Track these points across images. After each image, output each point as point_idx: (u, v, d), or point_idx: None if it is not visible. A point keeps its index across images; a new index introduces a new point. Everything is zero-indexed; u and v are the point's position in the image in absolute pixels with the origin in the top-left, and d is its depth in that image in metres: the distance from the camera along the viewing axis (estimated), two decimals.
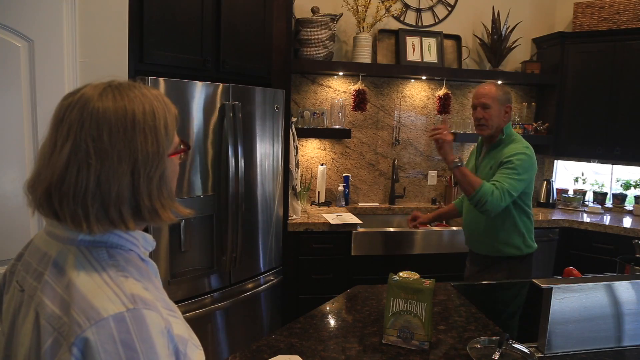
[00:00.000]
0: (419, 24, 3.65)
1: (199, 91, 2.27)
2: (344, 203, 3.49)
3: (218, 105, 2.35)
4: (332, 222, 2.97)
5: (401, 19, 3.61)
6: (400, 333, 1.45)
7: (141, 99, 0.78)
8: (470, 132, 3.59)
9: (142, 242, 0.83)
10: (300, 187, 3.23)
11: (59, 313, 0.71)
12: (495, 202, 2.02)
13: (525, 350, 1.39)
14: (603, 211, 3.62)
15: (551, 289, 1.42)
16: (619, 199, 3.69)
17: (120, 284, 0.73)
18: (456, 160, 2.08)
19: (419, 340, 1.44)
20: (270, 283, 2.76)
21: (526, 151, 2.14)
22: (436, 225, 3.41)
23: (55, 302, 0.72)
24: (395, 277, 1.47)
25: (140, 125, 0.76)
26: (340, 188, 3.49)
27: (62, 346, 0.68)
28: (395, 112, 3.62)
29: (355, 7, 3.30)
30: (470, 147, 3.83)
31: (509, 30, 3.57)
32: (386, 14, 3.44)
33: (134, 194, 0.76)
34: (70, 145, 0.74)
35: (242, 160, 2.45)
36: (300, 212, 3.12)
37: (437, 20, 3.67)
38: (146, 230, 0.86)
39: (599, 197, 3.78)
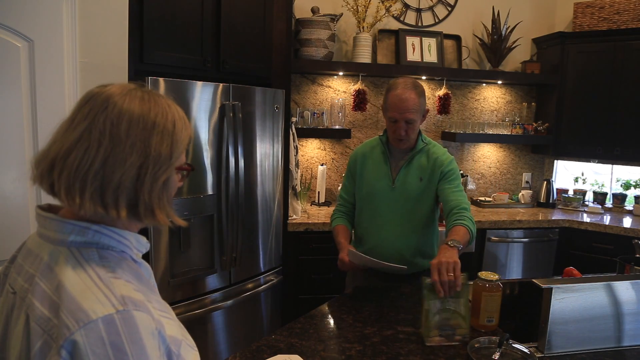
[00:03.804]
0: (419, 24, 3.65)
1: (199, 91, 2.27)
2: None
3: (218, 105, 2.35)
4: None
5: (401, 19, 3.61)
6: (442, 332, 1.47)
7: (166, 108, 0.81)
8: (470, 132, 3.59)
9: (134, 243, 0.83)
10: (300, 187, 3.23)
11: (49, 315, 0.70)
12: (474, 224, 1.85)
13: (525, 350, 1.38)
14: (603, 211, 3.61)
15: (551, 289, 1.42)
16: (619, 199, 3.69)
17: (110, 285, 0.72)
18: (458, 246, 1.67)
19: (461, 335, 1.47)
20: (270, 283, 2.76)
21: (451, 156, 2.02)
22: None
23: (44, 304, 0.72)
24: (429, 280, 1.48)
25: (159, 127, 0.79)
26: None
27: (52, 349, 0.68)
28: None
29: (355, 7, 3.30)
30: (471, 148, 3.83)
31: (509, 30, 3.57)
32: (386, 14, 3.44)
33: (136, 187, 0.77)
34: (87, 124, 0.76)
35: (242, 160, 2.45)
36: (300, 212, 3.12)
37: (437, 20, 3.67)
38: (144, 232, 0.86)
39: (599, 197, 3.78)
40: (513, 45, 3.61)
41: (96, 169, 0.74)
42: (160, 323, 0.74)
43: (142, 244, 0.85)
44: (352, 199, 2.14)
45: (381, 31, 3.52)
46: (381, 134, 2.07)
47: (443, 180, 1.96)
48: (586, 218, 3.40)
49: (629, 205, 3.69)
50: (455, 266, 1.52)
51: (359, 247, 2.04)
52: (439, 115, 3.66)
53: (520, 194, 3.78)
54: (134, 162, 0.76)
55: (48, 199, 0.88)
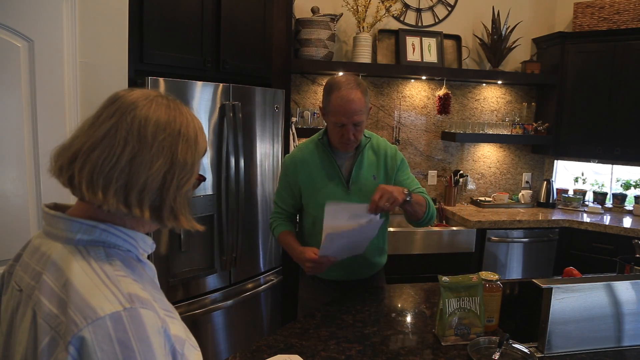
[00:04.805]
0: (419, 24, 3.65)
1: (199, 91, 2.27)
2: None
3: (218, 105, 2.35)
4: None
5: (401, 19, 3.61)
6: (457, 331, 1.47)
7: (189, 118, 0.83)
8: (470, 132, 3.59)
9: (141, 243, 0.84)
10: None
11: (56, 312, 0.71)
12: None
13: (525, 350, 1.38)
14: (603, 211, 3.61)
15: (551, 289, 1.42)
16: (619, 199, 3.69)
17: (117, 283, 0.73)
18: (406, 195, 1.67)
19: (476, 334, 1.47)
20: (270, 283, 2.76)
21: (394, 145, 1.95)
22: (436, 225, 3.41)
23: (52, 301, 0.72)
24: (446, 278, 1.49)
25: (184, 136, 0.80)
26: None
27: (59, 345, 0.68)
28: (395, 112, 3.62)
29: (355, 7, 3.30)
30: (471, 148, 3.83)
31: (509, 30, 3.57)
32: (386, 14, 3.43)
33: (161, 191, 0.78)
34: (114, 122, 0.76)
35: (242, 160, 2.45)
36: None
37: (437, 20, 3.67)
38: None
39: (599, 197, 3.78)
40: (513, 45, 3.61)
41: (122, 167, 0.75)
42: (166, 322, 0.75)
43: (147, 244, 0.86)
44: (292, 209, 1.95)
45: (381, 31, 3.52)
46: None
47: (399, 172, 1.89)
48: (586, 218, 3.40)
49: (629, 205, 3.68)
50: (394, 201, 1.60)
51: None
52: (439, 115, 3.66)
53: (520, 194, 3.78)
54: (160, 167, 0.77)
55: (48, 199, 0.88)
